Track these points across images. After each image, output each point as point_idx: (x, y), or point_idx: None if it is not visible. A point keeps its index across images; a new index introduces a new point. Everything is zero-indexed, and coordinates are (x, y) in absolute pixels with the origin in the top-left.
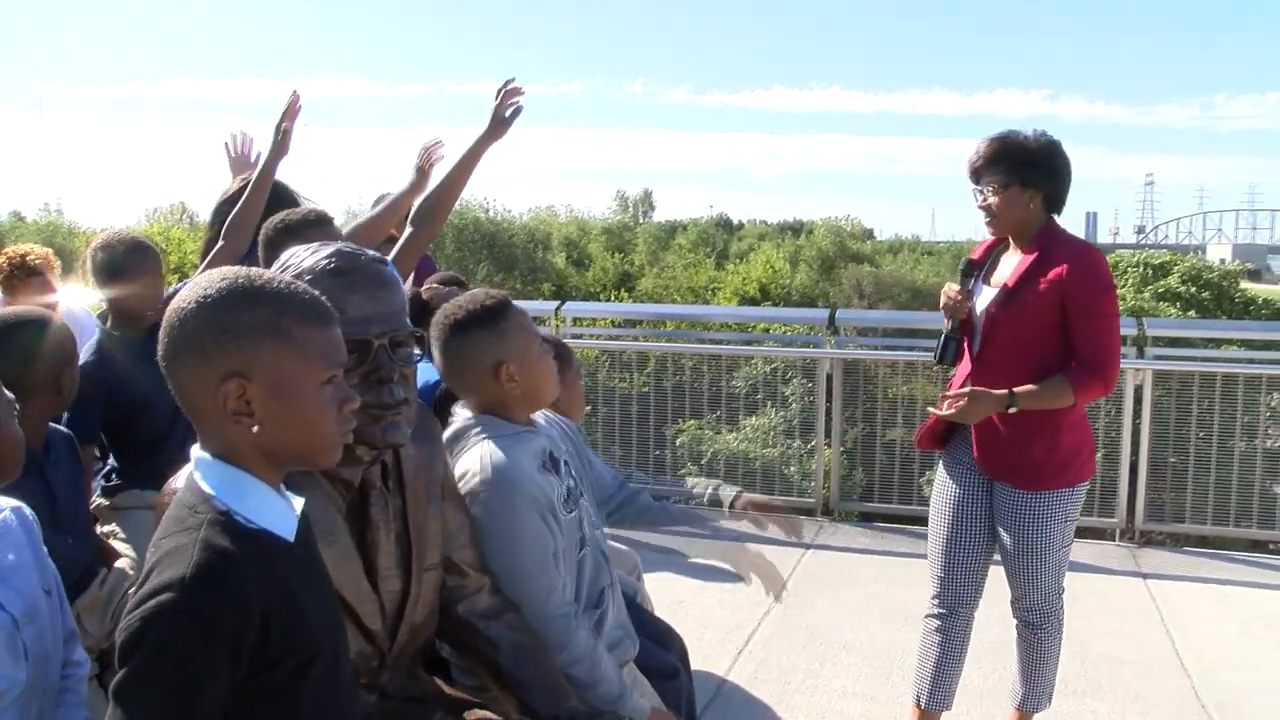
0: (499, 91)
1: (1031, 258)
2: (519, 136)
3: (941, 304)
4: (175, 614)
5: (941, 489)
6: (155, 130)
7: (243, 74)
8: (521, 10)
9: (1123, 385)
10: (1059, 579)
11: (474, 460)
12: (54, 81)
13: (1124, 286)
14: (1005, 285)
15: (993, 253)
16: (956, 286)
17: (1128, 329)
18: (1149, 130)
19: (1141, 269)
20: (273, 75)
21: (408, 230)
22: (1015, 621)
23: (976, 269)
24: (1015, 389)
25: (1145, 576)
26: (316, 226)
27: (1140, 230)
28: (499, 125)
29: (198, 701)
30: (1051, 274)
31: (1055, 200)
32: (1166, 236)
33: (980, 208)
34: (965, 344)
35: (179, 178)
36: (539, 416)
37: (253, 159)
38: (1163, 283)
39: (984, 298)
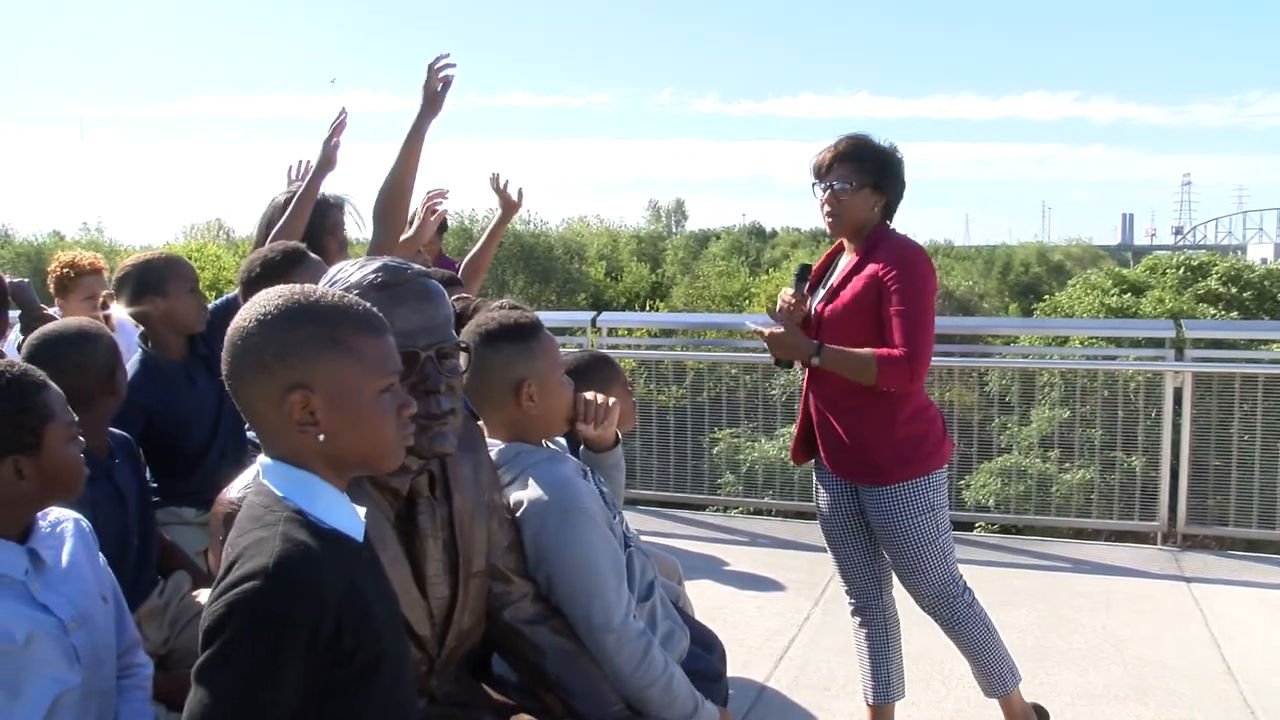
0: (429, 68)
1: (857, 258)
2: (549, 148)
3: (776, 309)
4: (258, 601)
5: (817, 493)
6: (188, 148)
7: (273, 90)
8: (547, 22)
9: (1163, 387)
10: (946, 568)
11: (530, 489)
12: (87, 103)
13: (1162, 289)
14: (831, 286)
15: (834, 259)
16: (791, 291)
17: (1165, 331)
18: (1183, 130)
19: (1180, 271)
20: (301, 91)
21: (373, 230)
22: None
23: (810, 275)
24: (827, 344)
25: (1188, 580)
26: (297, 263)
27: (1178, 231)
28: (432, 100)
29: (274, 685)
30: (870, 271)
31: (892, 209)
32: (1205, 237)
33: (826, 202)
34: None
35: (214, 194)
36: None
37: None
38: (1202, 284)
39: (817, 301)
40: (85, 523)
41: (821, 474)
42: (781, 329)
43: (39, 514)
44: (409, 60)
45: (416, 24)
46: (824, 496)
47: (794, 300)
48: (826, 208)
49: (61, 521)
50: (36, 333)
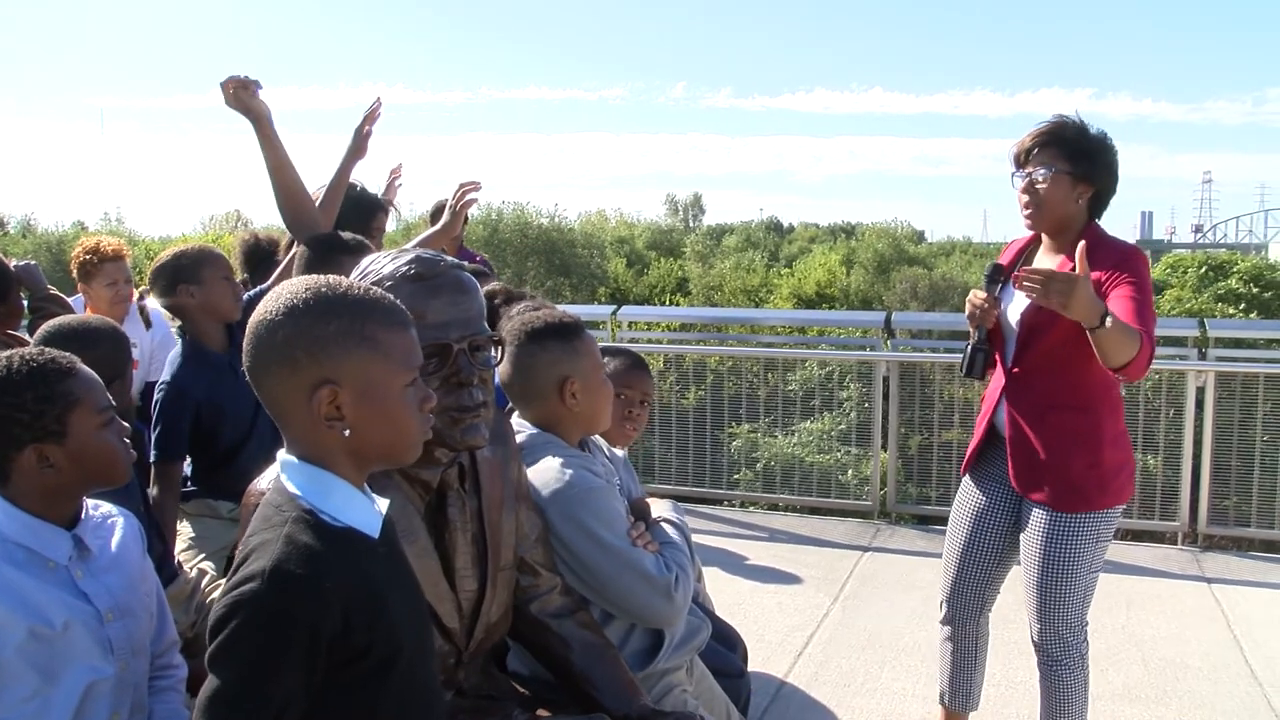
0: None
1: (1070, 263)
2: (565, 141)
3: (967, 312)
4: (256, 602)
5: (964, 500)
6: (207, 140)
7: (288, 84)
8: (559, 15)
9: (1184, 387)
10: (1083, 609)
11: (545, 473)
12: (107, 94)
13: (1183, 288)
14: None
15: (1023, 256)
16: (983, 294)
17: (1188, 330)
18: (1202, 127)
19: (1200, 269)
20: (317, 84)
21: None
22: (1036, 657)
23: (1003, 274)
24: (1107, 313)
25: (1209, 581)
26: (359, 253)
27: (1198, 229)
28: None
29: (274, 681)
30: (1093, 276)
31: (1102, 201)
32: (1225, 235)
33: (1023, 193)
34: (997, 354)
35: (232, 186)
36: (602, 449)
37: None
38: (1223, 283)
39: (1016, 304)
40: (135, 520)
41: (985, 484)
42: (1053, 281)
43: (91, 505)
44: (422, 52)
45: (429, 16)
46: (977, 505)
47: (988, 302)
48: (1024, 198)
49: (112, 515)
50: (42, 328)
